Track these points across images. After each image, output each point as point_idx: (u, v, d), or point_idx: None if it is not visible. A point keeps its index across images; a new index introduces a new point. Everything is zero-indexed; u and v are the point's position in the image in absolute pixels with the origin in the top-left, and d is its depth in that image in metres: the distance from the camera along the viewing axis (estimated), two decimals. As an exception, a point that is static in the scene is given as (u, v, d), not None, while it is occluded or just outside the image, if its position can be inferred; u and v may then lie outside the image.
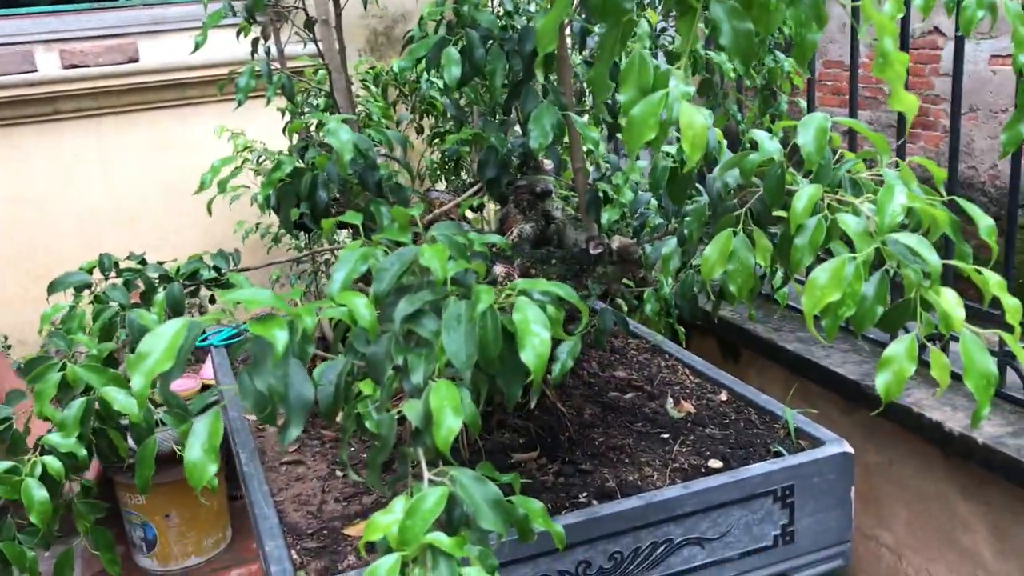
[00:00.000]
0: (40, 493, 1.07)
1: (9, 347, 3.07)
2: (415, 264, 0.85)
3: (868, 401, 2.03)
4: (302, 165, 1.22)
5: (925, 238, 0.80)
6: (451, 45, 1.22)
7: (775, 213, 0.96)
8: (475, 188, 1.54)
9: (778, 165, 0.92)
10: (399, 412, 0.77)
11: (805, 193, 0.84)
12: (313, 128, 1.57)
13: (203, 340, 2.72)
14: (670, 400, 1.65)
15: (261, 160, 2.60)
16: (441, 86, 2.08)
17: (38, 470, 1.09)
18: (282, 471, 1.49)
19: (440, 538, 0.66)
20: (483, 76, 1.23)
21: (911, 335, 0.79)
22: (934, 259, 0.76)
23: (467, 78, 1.20)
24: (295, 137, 1.47)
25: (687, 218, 1.04)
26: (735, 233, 0.92)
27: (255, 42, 1.62)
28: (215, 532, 2.93)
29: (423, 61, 1.26)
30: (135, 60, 3.17)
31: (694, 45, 0.67)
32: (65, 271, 1.31)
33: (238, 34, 1.62)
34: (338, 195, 1.29)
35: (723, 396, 1.67)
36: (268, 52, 1.61)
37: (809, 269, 0.85)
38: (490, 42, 1.23)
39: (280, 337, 0.67)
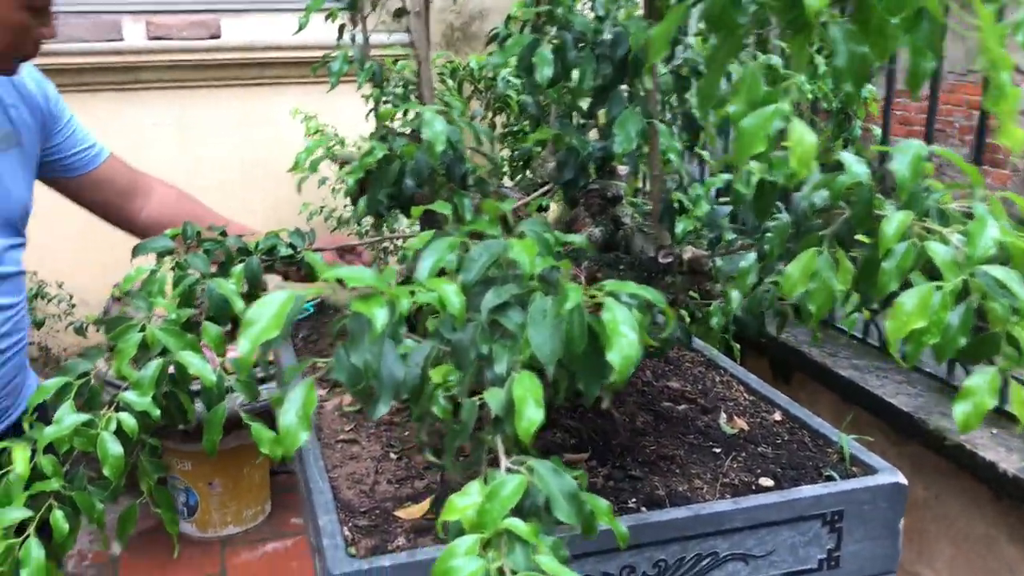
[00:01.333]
0: (115, 447, 1.10)
1: (73, 306, 3.16)
2: (502, 257, 0.87)
3: (920, 434, 2.01)
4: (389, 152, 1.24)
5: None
6: (543, 45, 1.23)
7: (857, 237, 0.97)
8: (545, 188, 1.55)
9: (867, 189, 0.93)
10: (480, 399, 0.79)
11: (896, 218, 0.84)
12: (399, 117, 1.59)
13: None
14: (723, 415, 1.65)
15: (332, 146, 2.65)
16: (519, 85, 2.10)
17: (113, 425, 1.13)
18: (337, 448, 1.51)
19: (518, 524, 0.68)
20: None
21: (993, 369, 0.79)
22: (1024, 294, 0.76)
23: (558, 78, 1.22)
24: (378, 124, 1.50)
25: (768, 234, 1.05)
26: (819, 253, 0.92)
27: (342, 28, 1.65)
28: (255, 504, 2.99)
29: (511, 59, 1.28)
30: (217, 36, 3.24)
31: (806, 63, 0.68)
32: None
33: (327, 18, 1.65)
34: (421, 184, 1.31)
35: (777, 416, 1.66)
36: (353, 39, 1.64)
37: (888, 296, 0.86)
38: (581, 45, 1.24)
39: (380, 315, 0.69)
